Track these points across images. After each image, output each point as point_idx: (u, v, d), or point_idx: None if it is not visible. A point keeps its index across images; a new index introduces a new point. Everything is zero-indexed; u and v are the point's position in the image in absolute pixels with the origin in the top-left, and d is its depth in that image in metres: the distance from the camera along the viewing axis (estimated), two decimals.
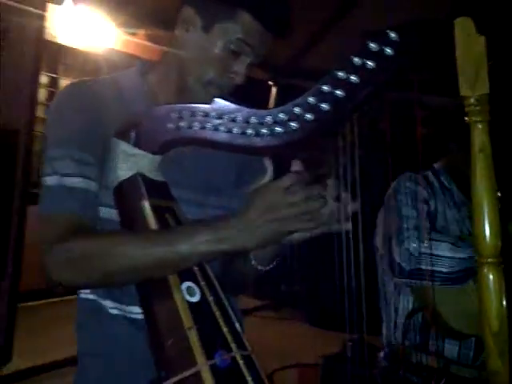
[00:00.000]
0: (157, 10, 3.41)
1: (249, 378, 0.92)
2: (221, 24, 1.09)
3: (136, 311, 1.10)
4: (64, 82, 5.56)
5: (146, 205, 0.99)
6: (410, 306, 1.86)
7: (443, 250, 1.72)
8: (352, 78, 0.86)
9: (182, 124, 0.98)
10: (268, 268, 1.13)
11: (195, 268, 0.99)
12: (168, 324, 0.93)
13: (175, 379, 0.88)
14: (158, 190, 1.03)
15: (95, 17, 3.65)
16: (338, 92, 0.87)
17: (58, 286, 1.02)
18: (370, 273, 1.98)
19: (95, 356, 1.14)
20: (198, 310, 0.93)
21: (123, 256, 0.97)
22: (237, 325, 0.99)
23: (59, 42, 5.15)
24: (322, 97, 0.88)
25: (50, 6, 3.85)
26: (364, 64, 0.85)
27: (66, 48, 5.35)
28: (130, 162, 1.02)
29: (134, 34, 4.15)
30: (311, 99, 0.89)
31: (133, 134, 1.02)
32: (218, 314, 0.96)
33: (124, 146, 1.02)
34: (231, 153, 1.05)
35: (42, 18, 3.71)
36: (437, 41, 0.81)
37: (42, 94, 5.40)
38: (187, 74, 1.13)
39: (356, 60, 0.85)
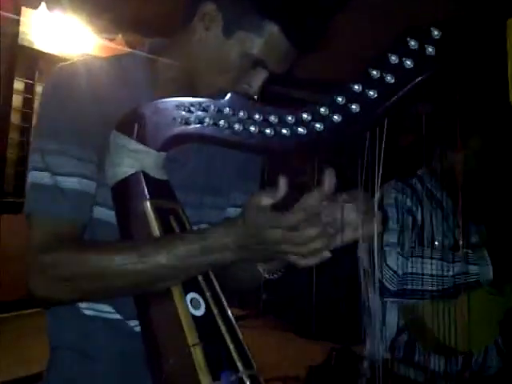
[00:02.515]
0: (134, 16, 3.33)
1: None
2: (244, 32, 0.97)
3: (110, 310, 1.02)
4: (40, 88, 5.41)
5: (149, 206, 0.90)
6: (396, 321, 1.80)
7: (430, 268, 1.65)
8: (387, 77, 0.78)
9: (191, 119, 0.89)
10: (274, 277, 1.05)
11: (200, 277, 0.90)
12: (170, 340, 0.84)
13: None
14: (161, 190, 0.94)
15: (72, 22, 3.56)
16: (371, 92, 0.79)
17: (40, 301, 0.93)
18: (354, 282, 1.92)
19: (69, 350, 1.05)
20: (203, 325, 0.85)
21: (117, 271, 0.88)
22: (242, 339, 0.90)
23: (36, 47, 5.02)
24: (352, 97, 0.80)
25: (27, 11, 3.73)
26: (401, 63, 0.77)
27: (42, 53, 5.20)
28: (132, 158, 0.92)
29: (112, 40, 4.05)
30: (340, 99, 0.81)
31: (136, 128, 0.92)
32: (223, 328, 0.87)
33: (126, 141, 0.93)
34: (234, 151, 0.97)
35: (16, 23, 3.60)
36: (484, 41, 0.74)
37: (18, 100, 5.26)
38: (198, 76, 1.02)
39: (393, 58, 0.77)
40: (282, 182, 0.84)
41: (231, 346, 0.86)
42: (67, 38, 4.96)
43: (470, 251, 1.70)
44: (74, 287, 0.91)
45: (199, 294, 0.88)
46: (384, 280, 1.66)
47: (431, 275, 1.63)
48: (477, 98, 1.76)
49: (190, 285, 0.88)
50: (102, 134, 0.95)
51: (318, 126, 0.82)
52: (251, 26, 0.96)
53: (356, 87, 0.80)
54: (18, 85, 5.16)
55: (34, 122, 5.28)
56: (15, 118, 5.16)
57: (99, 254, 0.90)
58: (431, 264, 1.64)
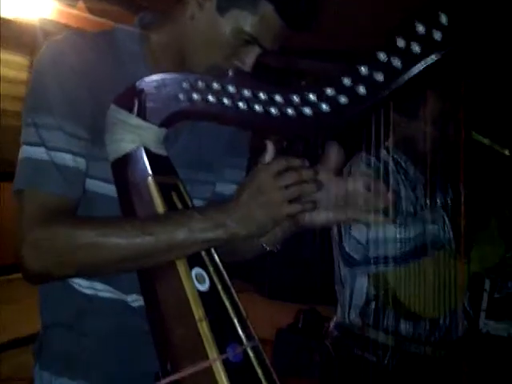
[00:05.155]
0: None
1: (259, 371, 0.87)
2: (238, 10, 0.97)
3: (106, 288, 1.03)
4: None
5: (151, 182, 0.91)
6: (366, 288, 1.85)
7: (390, 233, 1.69)
8: (394, 61, 0.79)
9: (194, 96, 0.89)
10: (273, 249, 1.07)
11: (203, 252, 0.92)
12: (176, 315, 0.86)
13: (184, 374, 0.82)
14: (162, 165, 0.95)
15: None
16: (378, 75, 0.81)
17: (32, 276, 0.93)
18: (324, 243, 1.96)
19: (63, 328, 1.06)
20: (208, 300, 0.87)
21: (113, 246, 0.88)
22: (244, 312, 0.93)
23: None
24: (359, 79, 0.81)
25: None
26: (409, 48, 0.79)
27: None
28: (133, 133, 0.92)
29: (73, 6, 3.87)
30: (346, 80, 0.82)
31: (136, 103, 0.92)
32: (227, 302, 0.90)
33: (125, 116, 0.92)
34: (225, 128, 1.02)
35: None
36: (492, 28, 0.76)
37: None
38: (190, 52, 1.02)
39: (401, 42, 0.79)
40: (270, 146, 0.92)
41: (235, 319, 0.89)
42: (26, 3, 4.71)
43: (427, 212, 1.75)
44: (67, 261, 0.90)
45: (203, 269, 0.90)
46: (349, 250, 1.72)
47: (392, 240, 1.68)
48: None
49: (194, 260, 0.90)
50: (94, 110, 0.95)
51: (324, 106, 0.83)
52: (245, 4, 0.97)
53: (363, 69, 0.81)
54: None
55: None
56: None
57: (93, 227, 0.90)
58: (392, 229, 1.68)
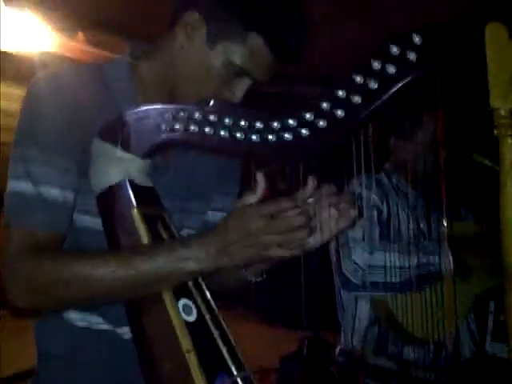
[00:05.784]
0: (94, 12, 3.22)
1: None
2: (228, 42, 0.97)
3: (99, 321, 1.03)
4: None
5: (136, 214, 0.91)
6: (368, 313, 1.82)
7: (391, 261, 1.67)
8: (371, 83, 0.80)
9: (177, 126, 0.89)
10: (259, 279, 1.06)
11: (190, 283, 0.91)
12: (164, 347, 0.85)
13: None
14: (148, 197, 0.95)
15: (29, 19, 3.43)
16: (355, 98, 0.81)
17: (19, 310, 0.93)
18: (326, 270, 1.94)
19: (57, 359, 1.05)
20: (196, 331, 0.86)
21: (98, 280, 0.88)
22: (233, 342, 0.92)
23: None
24: (337, 102, 0.82)
25: None
26: (384, 69, 0.79)
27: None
28: (117, 166, 0.92)
29: (72, 37, 3.92)
30: (325, 105, 0.82)
31: (120, 135, 0.92)
32: (215, 333, 0.89)
33: (110, 149, 0.92)
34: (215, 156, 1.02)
35: None
36: (465, 47, 0.76)
37: None
38: (180, 84, 1.02)
39: (376, 64, 0.79)
40: (260, 177, 0.90)
41: (224, 350, 0.88)
42: (25, 35, 4.77)
43: (430, 243, 1.73)
44: (53, 295, 0.91)
45: (190, 299, 0.89)
46: (348, 274, 1.70)
47: (393, 267, 1.66)
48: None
49: (180, 291, 0.89)
50: (83, 143, 0.95)
51: (303, 131, 0.84)
52: (235, 36, 0.97)
53: (340, 93, 0.81)
54: None
55: None
56: None
57: (78, 261, 0.90)
58: (393, 257, 1.66)
